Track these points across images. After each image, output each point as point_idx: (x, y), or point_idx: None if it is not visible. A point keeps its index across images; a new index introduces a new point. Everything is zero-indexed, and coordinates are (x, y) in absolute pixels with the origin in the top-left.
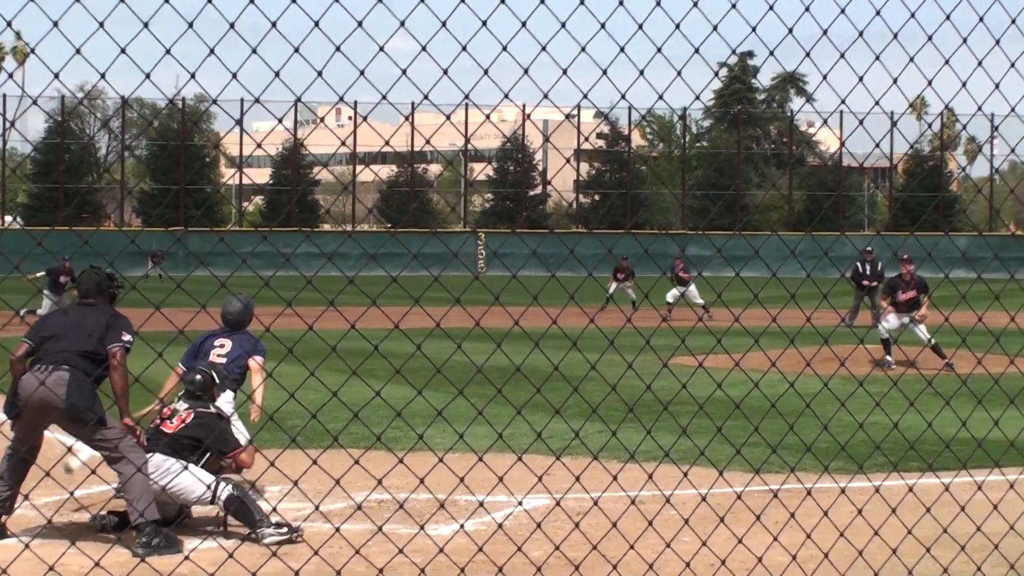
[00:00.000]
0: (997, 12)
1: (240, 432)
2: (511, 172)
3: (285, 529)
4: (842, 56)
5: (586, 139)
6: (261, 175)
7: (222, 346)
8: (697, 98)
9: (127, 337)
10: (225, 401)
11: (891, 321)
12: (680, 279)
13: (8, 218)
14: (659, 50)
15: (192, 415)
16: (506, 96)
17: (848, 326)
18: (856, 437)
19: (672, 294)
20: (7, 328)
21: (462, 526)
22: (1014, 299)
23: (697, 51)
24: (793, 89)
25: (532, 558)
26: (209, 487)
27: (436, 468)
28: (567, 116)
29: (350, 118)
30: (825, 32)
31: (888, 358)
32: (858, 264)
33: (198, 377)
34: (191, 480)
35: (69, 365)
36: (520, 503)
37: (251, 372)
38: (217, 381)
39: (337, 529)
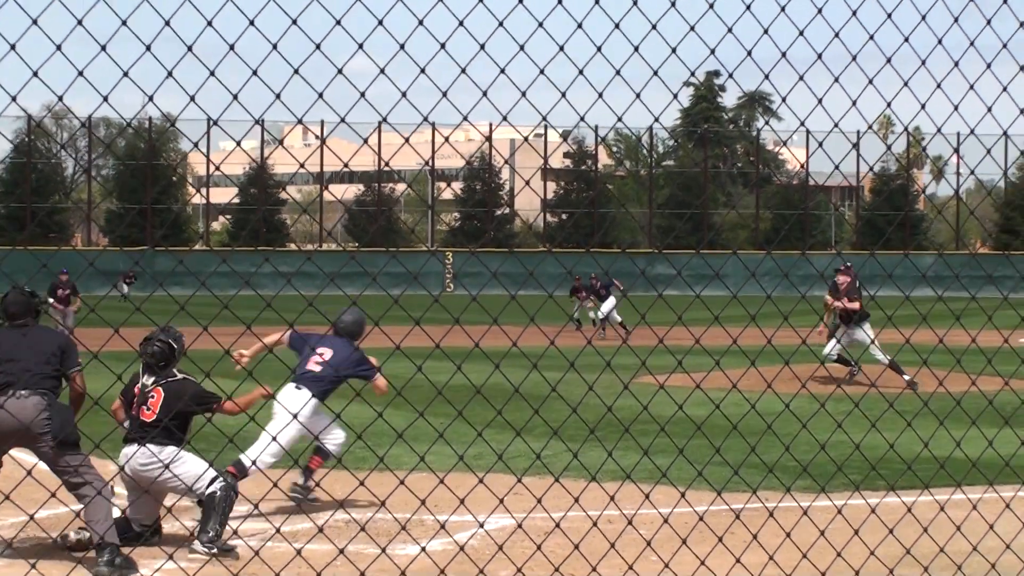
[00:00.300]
0: (956, 34)
1: (334, 439)
2: (478, 191)
3: (216, 551)
4: (801, 79)
5: (545, 161)
6: (228, 194)
7: (322, 355)
8: (656, 120)
9: (80, 360)
10: (309, 407)
11: (852, 338)
12: (599, 295)
13: None
14: (618, 72)
15: (163, 392)
16: (465, 119)
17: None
18: (819, 457)
19: (613, 313)
20: None
21: (423, 549)
22: (976, 318)
23: (656, 74)
24: (760, 109)
25: None
26: (199, 489)
27: (399, 489)
28: (526, 139)
29: (317, 137)
30: (784, 55)
31: (852, 367)
32: (835, 280)
33: (156, 348)
34: (194, 471)
35: (44, 389)
36: (482, 525)
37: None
38: (176, 346)
39: (299, 552)
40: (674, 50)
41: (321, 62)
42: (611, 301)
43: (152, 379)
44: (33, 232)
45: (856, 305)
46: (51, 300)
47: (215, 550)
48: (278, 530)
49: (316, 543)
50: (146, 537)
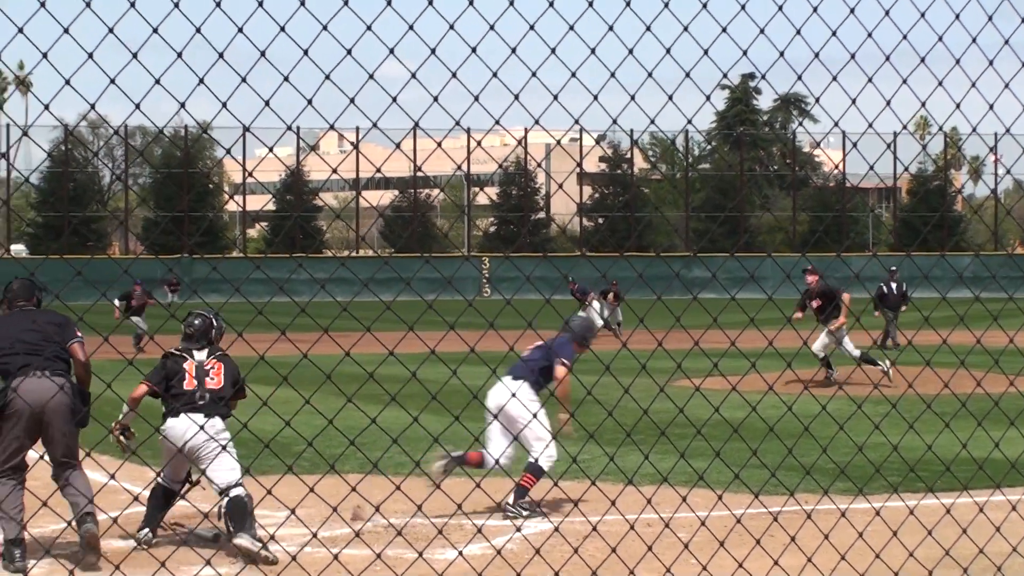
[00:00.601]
0: (991, 33)
1: (547, 455)
2: (513, 196)
3: (260, 546)
4: (834, 79)
5: (579, 164)
6: (264, 201)
7: (533, 347)
8: (689, 122)
9: (79, 333)
10: (528, 398)
11: (822, 339)
12: (578, 299)
13: (18, 247)
14: (650, 74)
15: (222, 364)
16: (496, 122)
17: (896, 347)
18: (857, 459)
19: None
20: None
21: (460, 552)
22: (1014, 319)
23: (688, 75)
24: (795, 111)
25: None
26: (231, 481)
27: (438, 494)
28: (558, 142)
29: (351, 143)
30: (816, 55)
31: (831, 372)
32: (882, 284)
33: (197, 321)
34: (227, 467)
35: (59, 371)
36: (518, 528)
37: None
38: (216, 325)
39: (335, 556)
40: (706, 51)
41: (355, 69)
42: (593, 310)
43: (206, 353)
44: (71, 241)
45: (846, 297)
46: (116, 304)
47: (261, 545)
48: (315, 535)
49: (354, 548)
50: (182, 493)
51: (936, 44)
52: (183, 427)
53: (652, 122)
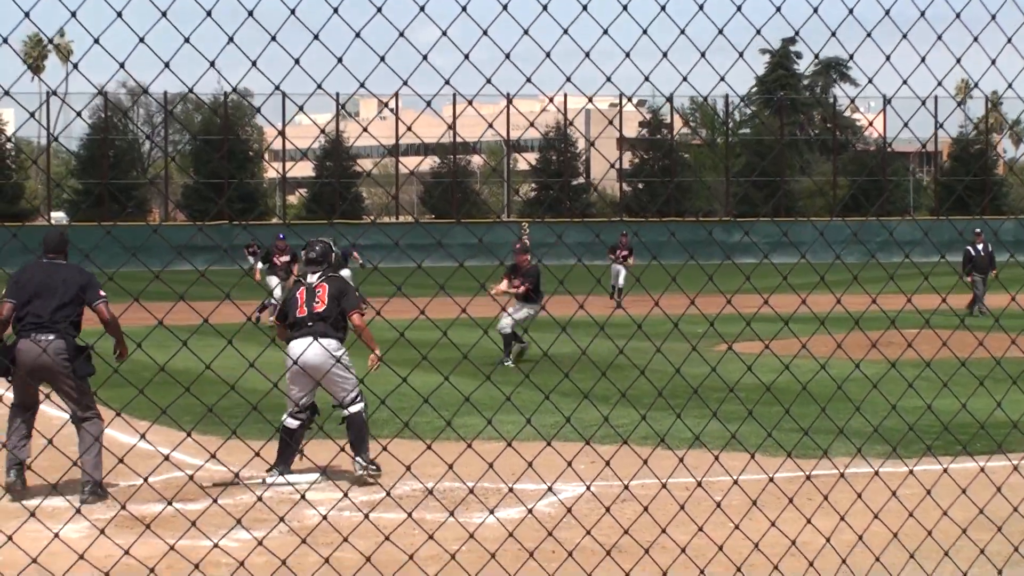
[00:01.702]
0: None
1: None
2: (553, 162)
3: (375, 468)
4: (868, 35)
5: (608, 123)
6: (304, 168)
7: None
8: (722, 79)
9: (103, 292)
10: None
11: (519, 313)
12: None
13: (58, 214)
14: (683, 32)
15: (327, 286)
16: (528, 80)
17: (984, 312)
18: (889, 420)
19: None
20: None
21: (492, 511)
22: None
23: (721, 32)
24: (836, 74)
25: (563, 543)
26: (356, 395)
27: (466, 455)
28: (590, 99)
29: (390, 109)
30: (851, 11)
31: (524, 345)
32: (969, 248)
33: (318, 247)
34: (341, 386)
35: (64, 333)
36: (550, 488)
37: None
38: (335, 251)
39: (366, 515)
40: (739, 8)
41: (392, 35)
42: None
43: (317, 276)
44: (112, 208)
45: (523, 289)
46: (259, 266)
47: (375, 468)
48: (346, 495)
49: (386, 510)
50: (307, 421)
51: (970, 1)
52: (296, 350)
53: (684, 79)
